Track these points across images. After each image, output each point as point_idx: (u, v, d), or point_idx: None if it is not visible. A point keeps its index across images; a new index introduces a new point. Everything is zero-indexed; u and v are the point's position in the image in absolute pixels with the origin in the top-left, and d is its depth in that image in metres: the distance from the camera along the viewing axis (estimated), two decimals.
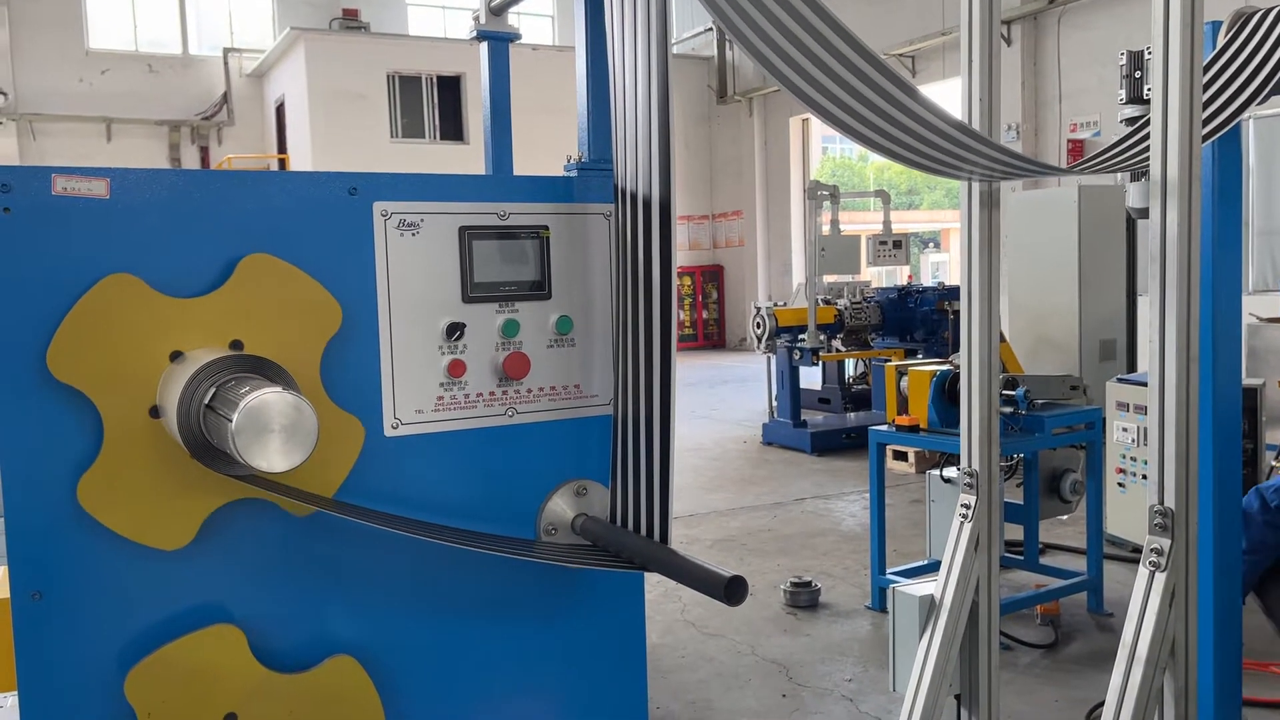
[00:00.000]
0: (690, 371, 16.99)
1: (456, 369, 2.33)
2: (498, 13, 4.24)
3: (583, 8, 2.72)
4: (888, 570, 5.23)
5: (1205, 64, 2.64)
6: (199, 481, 2.07)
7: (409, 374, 2.29)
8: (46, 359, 1.96)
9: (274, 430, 1.83)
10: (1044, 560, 5.56)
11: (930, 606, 2.68)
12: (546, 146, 9.94)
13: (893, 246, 11.12)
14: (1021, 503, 5.25)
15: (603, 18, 2.34)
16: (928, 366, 5.25)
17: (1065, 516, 5.66)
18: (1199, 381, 2.12)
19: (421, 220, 2.30)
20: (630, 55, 2.23)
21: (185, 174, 2.14)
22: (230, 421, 1.81)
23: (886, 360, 8.60)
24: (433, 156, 19.84)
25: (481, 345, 2.37)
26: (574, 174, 2.51)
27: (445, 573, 2.36)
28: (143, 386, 2.04)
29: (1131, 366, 9.24)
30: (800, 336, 9.88)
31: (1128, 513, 5.81)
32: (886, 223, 11.25)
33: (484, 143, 4.35)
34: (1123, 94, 3.05)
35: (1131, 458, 5.70)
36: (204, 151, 21.61)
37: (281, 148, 21.61)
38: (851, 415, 10.97)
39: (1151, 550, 2.14)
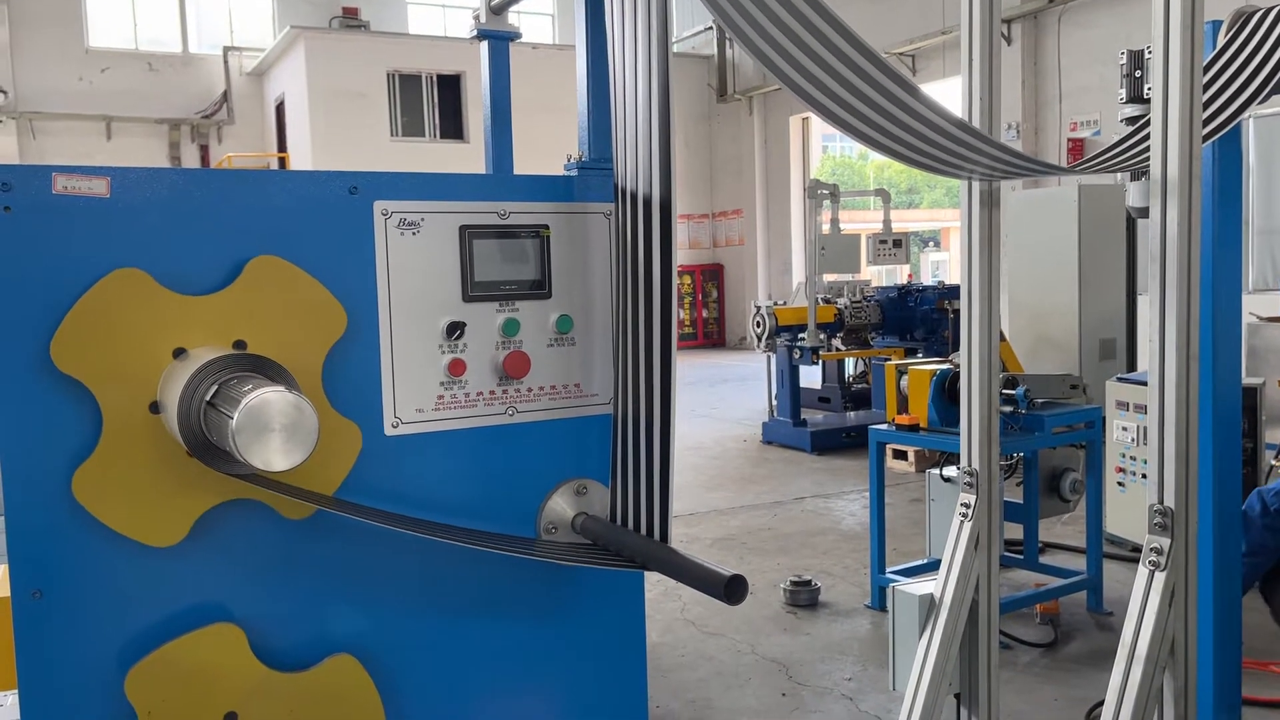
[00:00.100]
0: (690, 370, 16.98)
1: (457, 368, 2.33)
2: (498, 11, 4.23)
3: (583, 7, 2.72)
4: (887, 569, 5.23)
5: (1206, 63, 2.64)
6: (194, 479, 2.07)
7: (409, 373, 2.29)
8: (50, 350, 1.97)
9: (274, 429, 1.83)
10: (1044, 559, 5.56)
11: (930, 605, 2.69)
12: (547, 146, 9.93)
13: (893, 245, 11.12)
14: (1021, 502, 5.25)
15: (603, 16, 2.33)
16: (928, 365, 5.25)
17: (1065, 516, 5.66)
18: (1199, 380, 2.12)
19: (422, 219, 2.30)
20: (630, 54, 2.23)
21: (185, 173, 2.14)
22: (231, 419, 1.81)
23: (886, 359, 8.60)
24: (433, 155, 19.83)
25: (482, 344, 2.37)
26: (574, 173, 2.51)
27: (446, 571, 2.36)
28: (144, 381, 2.04)
29: (1131, 365, 9.24)
30: (800, 335, 9.88)
31: (1127, 512, 5.81)
32: (886, 221, 11.25)
33: (484, 142, 4.35)
34: (1123, 93, 3.05)
35: (1131, 457, 5.70)
36: (204, 150, 21.61)
37: (281, 146, 21.60)
38: (851, 414, 10.98)
39: (1151, 549, 2.14)
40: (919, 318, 10.62)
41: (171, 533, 2.08)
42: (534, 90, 14.48)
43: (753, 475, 8.78)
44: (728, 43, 22.07)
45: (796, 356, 9.87)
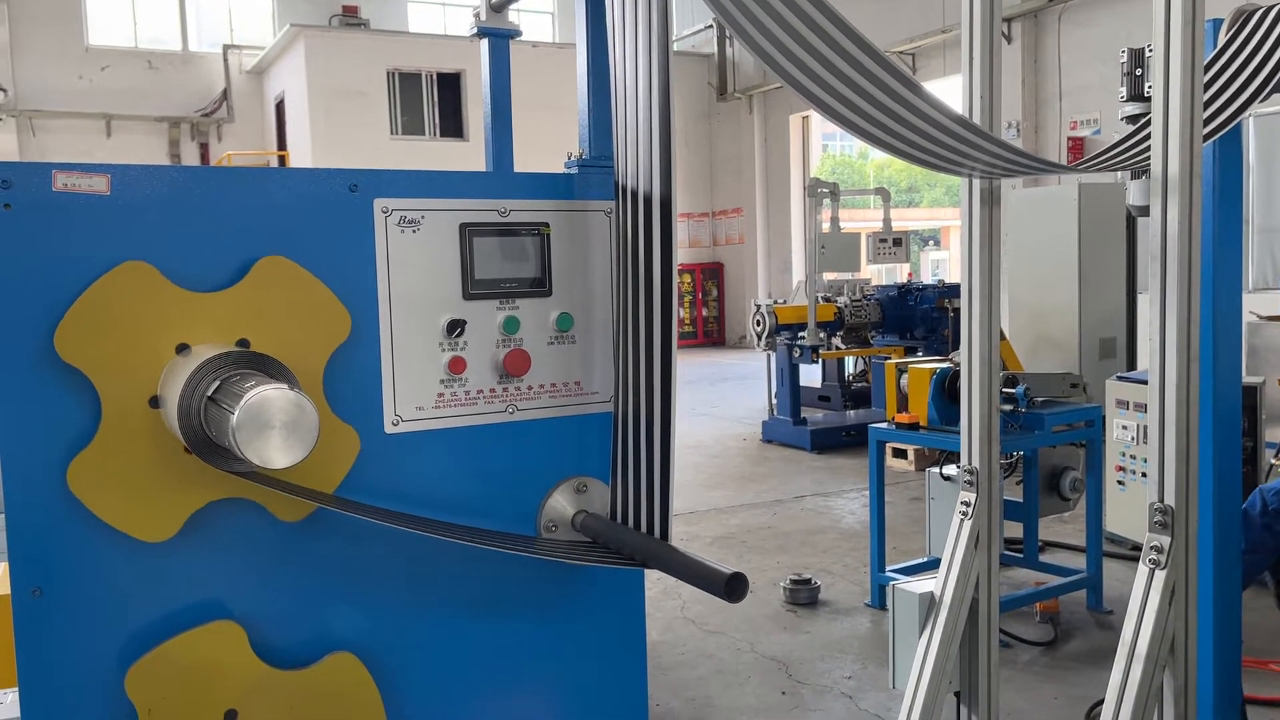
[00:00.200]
0: (690, 369, 16.99)
1: (457, 366, 2.33)
2: (498, 9, 4.24)
3: (583, 5, 2.72)
4: (887, 567, 5.24)
5: (1206, 62, 2.64)
6: (191, 475, 2.07)
7: (409, 371, 2.29)
8: (54, 338, 1.96)
9: (275, 426, 1.82)
10: (1044, 558, 5.57)
11: (930, 604, 2.69)
12: (547, 143, 9.95)
13: (893, 244, 11.13)
14: (1021, 500, 5.25)
15: (603, 14, 2.33)
16: (928, 364, 5.25)
17: (1065, 514, 5.66)
18: (1199, 379, 2.12)
19: (422, 217, 2.30)
20: (631, 52, 2.23)
21: (185, 170, 2.14)
22: (232, 415, 1.81)
23: (886, 358, 8.61)
24: (433, 153, 19.83)
25: (482, 342, 2.37)
26: (574, 171, 2.51)
27: (446, 569, 2.36)
28: (145, 375, 2.04)
29: (1131, 364, 9.24)
30: (800, 334, 9.88)
31: (1127, 510, 5.82)
32: (886, 220, 11.26)
33: (484, 139, 4.35)
34: (1123, 92, 3.06)
35: (1131, 455, 5.70)
36: (204, 148, 21.61)
37: (281, 145, 21.60)
38: (851, 413, 10.98)
39: (1151, 548, 2.14)
40: (919, 316, 10.62)
41: (163, 528, 2.07)
42: (534, 88, 14.48)
43: (753, 474, 8.79)
44: (728, 41, 22.07)
45: (796, 355, 9.87)
